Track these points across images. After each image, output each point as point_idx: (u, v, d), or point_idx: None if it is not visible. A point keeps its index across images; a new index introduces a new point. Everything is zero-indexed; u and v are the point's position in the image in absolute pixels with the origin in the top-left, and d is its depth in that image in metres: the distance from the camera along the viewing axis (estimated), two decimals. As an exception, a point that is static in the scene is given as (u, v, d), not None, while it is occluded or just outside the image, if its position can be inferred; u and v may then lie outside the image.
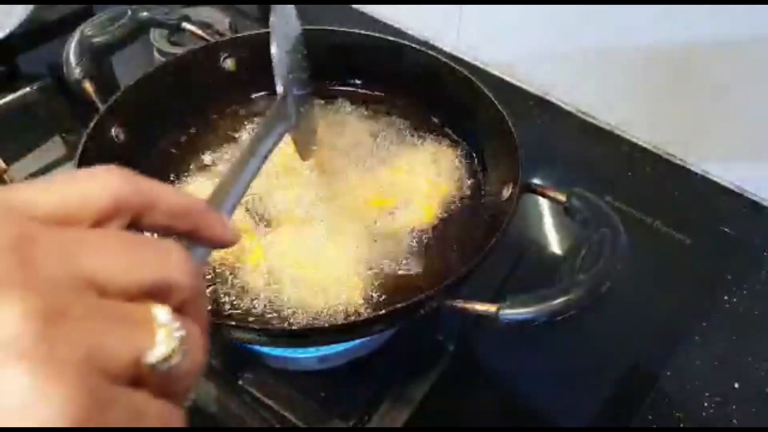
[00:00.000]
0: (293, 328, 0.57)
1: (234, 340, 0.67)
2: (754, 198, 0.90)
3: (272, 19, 0.60)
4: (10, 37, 0.96)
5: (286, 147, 0.61)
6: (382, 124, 0.79)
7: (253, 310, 0.60)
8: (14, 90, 0.94)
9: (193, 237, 0.31)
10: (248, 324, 0.58)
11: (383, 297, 0.61)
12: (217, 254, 0.64)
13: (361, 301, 0.61)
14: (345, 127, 0.79)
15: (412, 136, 0.78)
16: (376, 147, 0.76)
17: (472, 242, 0.66)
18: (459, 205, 0.71)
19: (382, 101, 0.82)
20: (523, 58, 1.03)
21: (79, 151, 0.62)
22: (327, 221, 0.67)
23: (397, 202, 0.69)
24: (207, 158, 0.75)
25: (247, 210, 0.69)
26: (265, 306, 0.61)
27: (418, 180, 0.72)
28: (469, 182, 0.73)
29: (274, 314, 0.60)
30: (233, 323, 0.57)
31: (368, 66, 0.81)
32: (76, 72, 0.70)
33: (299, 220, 0.68)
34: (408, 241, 0.66)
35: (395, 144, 0.76)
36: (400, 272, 0.64)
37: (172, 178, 0.72)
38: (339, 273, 0.62)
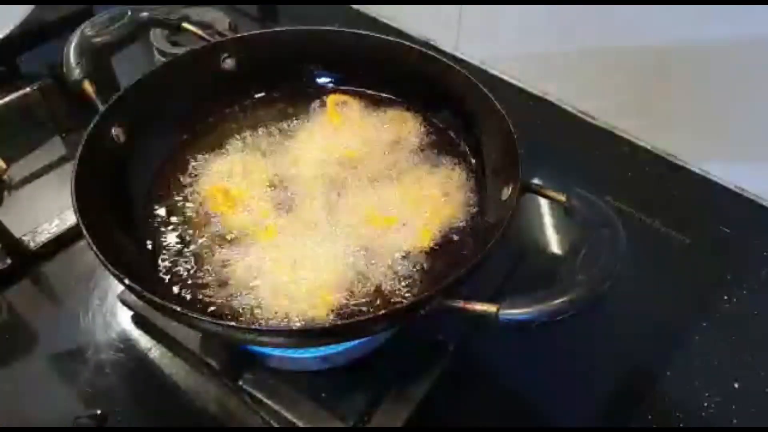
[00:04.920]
0: (293, 328, 0.57)
1: (231, 341, 0.67)
2: (754, 198, 0.90)
3: None
4: (10, 37, 0.96)
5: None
6: (385, 128, 0.79)
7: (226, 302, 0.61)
8: (14, 90, 0.94)
9: None
10: (248, 325, 0.58)
11: (348, 316, 0.60)
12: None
13: (325, 316, 0.59)
14: (346, 129, 0.78)
15: (415, 141, 0.78)
16: (381, 156, 0.75)
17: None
18: (459, 231, 0.68)
19: (382, 102, 0.82)
20: (523, 58, 1.03)
21: (79, 151, 0.62)
22: (325, 229, 0.67)
23: (397, 222, 0.68)
24: (207, 158, 0.75)
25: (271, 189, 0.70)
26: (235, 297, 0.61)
27: (421, 200, 0.70)
28: (472, 204, 0.71)
29: (238, 308, 0.60)
30: (233, 324, 0.57)
31: (368, 66, 0.81)
32: (76, 72, 0.69)
33: (303, 220, 0.68)
34: (398, 263, 0.64)
35: (401, 153, 0.76)
36: (376, 296, 0.61)
37: (172, 179, 0.72)
38: (315, 285, 0.61)
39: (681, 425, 0.68)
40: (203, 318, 0.52)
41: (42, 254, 0.80)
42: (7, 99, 0.93)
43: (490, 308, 0.50)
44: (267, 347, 0.65)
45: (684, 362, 0.73)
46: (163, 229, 0.67)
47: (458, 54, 1.10)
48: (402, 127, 0.79)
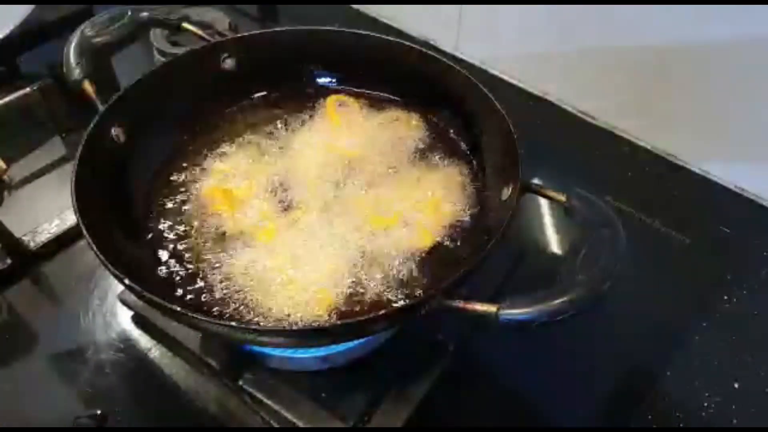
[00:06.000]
0: (293, 328, 0.57)
1: (231, 341, 0.67)
2: (754, 198, 0.90)
3: None
4: (10, 37, 0.96)
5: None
6: (385, 128, 0.79)
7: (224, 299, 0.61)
8: (14, 90, 0.94)
9: None
10: (247, 325, 0.58)
11: (348, 316, 0.60)
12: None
13: (325, 317, 0.59)
14: (346, 130, 0.78)
15: (415, 141, 0.78)
16: (381, 156, 0.75)
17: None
18: (459, 231, 0.68)
19: (382, 102, 0.82)
20: (523, 58, 1.03)
21: (79, 151, 0.62)
22: (325, 229, 0.67)
23: (397, 222, 0.68)
24: (207, 158, 0.75)
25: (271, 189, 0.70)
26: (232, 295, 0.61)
27: (421, 200, 0.70)
28: (472, 204, 0.70)
29: (239, 306, 0.60)
30: (233, 324, 0.57)
31: (368, 66, 0.81)
32: (76, 72, 0.69)
33: (303, 220, 0.68)
34: (398, 264, 0.64)
35: (401, 153, 0.76)
36: (376, 297, 0.62)
37: (172, 179, 0.72)
38: (315, 285, 0.61)
39: (681, 425, 0.68)
40: (203, 318, 0.52)
41: (42, 254, 0.80)
42: (7, 99, 0.93)
43: (490, 308, 0.50)
44: (267, 347, 0.65)
45: (684, 362, 0.73)
46: (163, 229, 0.67)
47: (458, 54, 1.10)
48: (402, 127, 0.79)
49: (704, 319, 0.77)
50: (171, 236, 0.67)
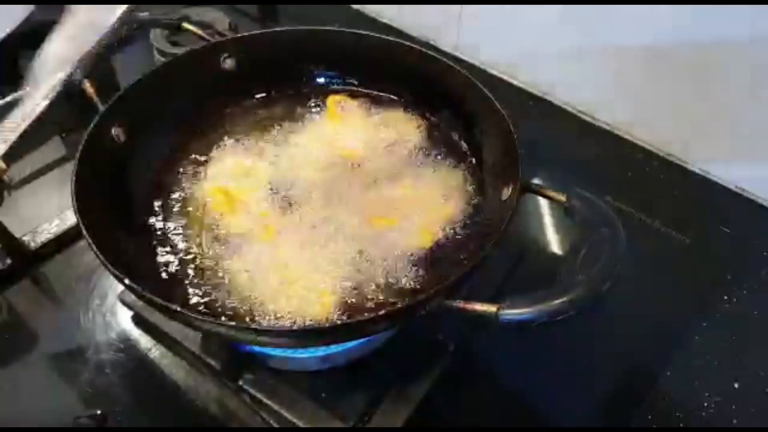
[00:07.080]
0: (293, 328, 0.57)
1: (231, 341, 0.67)
2: (753, 198, 0.90)
3: None
4: (10, 37, 0.96)
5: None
6: (385, 128, 0.79)
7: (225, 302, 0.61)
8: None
9: None
10: (248, 325, 0.58)
11: (348, 316, 0.60)
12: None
13: (325, 317, 0.59)
14: (346, 130, 0.79)
15: (415, 141, 0.77)
16: (381, 156, 0.75)
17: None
18: (459, 231, 0.68)
19: (382, 102, 0.82)
20: (523, 58, 1.03)
21: (79, 151, 0.62)
22: (325, 230, 0.67)
23: (397, 223, 0.67)
24: (208, 158, 0.75)
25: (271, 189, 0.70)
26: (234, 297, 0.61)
27: (421, 200, 0.70)
28: (472, 204, 0.70)
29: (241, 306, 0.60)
30: (233, 324, 0.57)
31: (368, 66, 0.81)
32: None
33: (303, 220, 0.68)
34: (398, 264, 0.64)
35: (401, 153, 0.76)
36: (376, 296, 0.61)
37: (172, 179, 0.72)
38: (315, 285, 0.61)
39: (681, 425, 0.68)
40: (203, 318, 0.52)
41: (42, 254, 0.80)
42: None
43: (490, 308, 0.50)
44: (267, 347, 0.65)
45: (684, 362, 0.73)
46: (163, 229, 0.67)
47: (458, 54, 1.10)
48: (402, 127, 0.79)
49: (704, 319, 0.77)
50: (171, 236, 0.67)
